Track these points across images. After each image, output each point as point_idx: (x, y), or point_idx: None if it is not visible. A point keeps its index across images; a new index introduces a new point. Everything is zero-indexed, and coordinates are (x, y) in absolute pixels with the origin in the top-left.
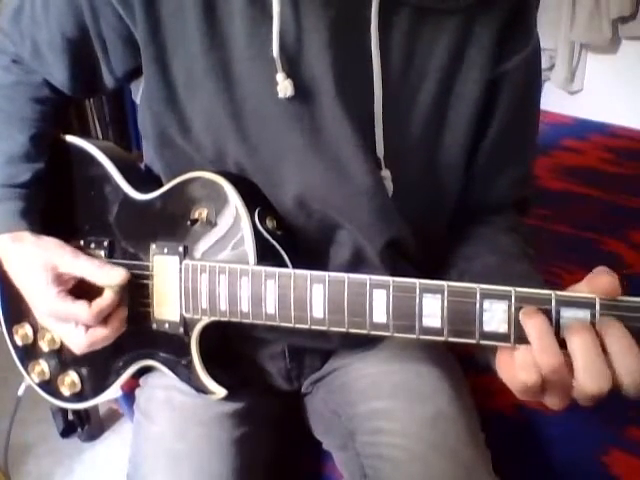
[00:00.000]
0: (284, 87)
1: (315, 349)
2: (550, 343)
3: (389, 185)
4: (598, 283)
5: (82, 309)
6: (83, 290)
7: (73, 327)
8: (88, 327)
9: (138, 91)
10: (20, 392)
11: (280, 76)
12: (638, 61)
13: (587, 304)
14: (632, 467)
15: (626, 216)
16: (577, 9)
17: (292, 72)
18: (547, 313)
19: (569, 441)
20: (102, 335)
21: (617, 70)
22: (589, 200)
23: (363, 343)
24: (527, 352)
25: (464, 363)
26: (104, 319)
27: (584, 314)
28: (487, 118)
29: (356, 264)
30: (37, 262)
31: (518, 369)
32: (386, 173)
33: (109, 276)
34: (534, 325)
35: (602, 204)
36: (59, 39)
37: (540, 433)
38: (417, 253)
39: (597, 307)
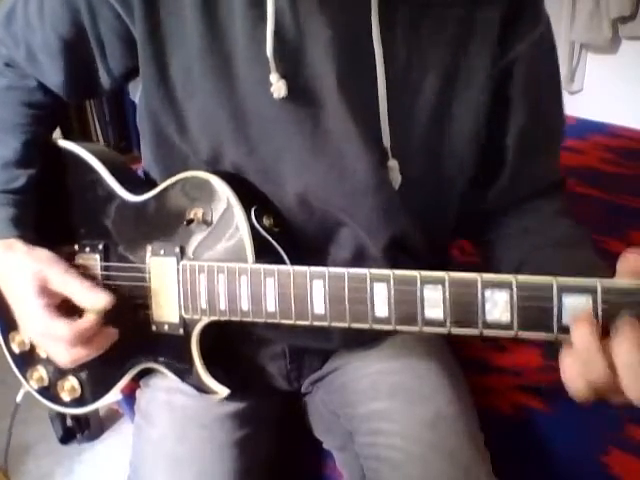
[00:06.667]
0: (278, 88)
1: (315, 349)
2: (594, 358)
3: (397, 176)
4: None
5: (63, 328)
6: (71, 306)
7: (55, 343)
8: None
9: (137, 91)
10: (18, 399)
11: (274, 77)
12: (638, 61)
13: (588, 289)
14: (632, 467)
15: (626, 216)
16: (577, 9)
17: (290, 72)
18: (548, 301)
19: (569, 441)
20: (84, 355)
21: (617, 70)
22: (589, 200)
23: (364, 342)
24: (572, 363)
25: (464, 363)
26: (86, 339)
27: (586, 300)
28: (506, 105)
29: (358, 262)
30: (27, 272)
31: (566, 381)
32: (394, 163)
33: (93, 300)
34: (581, 335)
35: (602, 204)
36: (54, 41)
37: (540, 433)
38: (421, 249)
39: (599, 291)
